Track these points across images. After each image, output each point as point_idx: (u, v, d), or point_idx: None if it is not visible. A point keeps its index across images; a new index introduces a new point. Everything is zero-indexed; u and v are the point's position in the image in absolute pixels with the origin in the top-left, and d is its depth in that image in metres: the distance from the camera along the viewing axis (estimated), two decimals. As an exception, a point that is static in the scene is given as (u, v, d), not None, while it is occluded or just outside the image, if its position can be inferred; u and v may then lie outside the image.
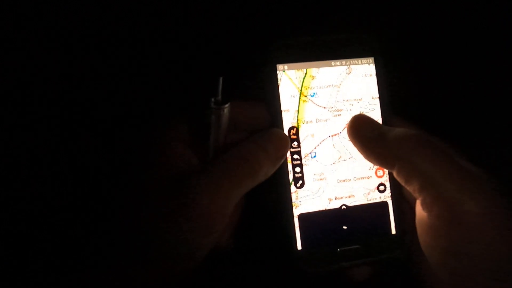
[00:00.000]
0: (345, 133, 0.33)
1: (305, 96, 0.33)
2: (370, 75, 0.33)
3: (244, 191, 0.29)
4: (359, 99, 0.33)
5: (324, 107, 0.33)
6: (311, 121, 0.33)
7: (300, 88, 0.33)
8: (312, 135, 0.33)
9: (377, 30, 0.34)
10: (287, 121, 0.32)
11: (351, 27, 0.35)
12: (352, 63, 0.33)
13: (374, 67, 0.33)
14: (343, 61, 0.33)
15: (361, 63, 0.33)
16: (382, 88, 0.33)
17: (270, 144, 0.30)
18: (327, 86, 0.33)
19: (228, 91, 0.29)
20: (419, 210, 0.29)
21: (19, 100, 0.34)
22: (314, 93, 0.33)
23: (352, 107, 0.33)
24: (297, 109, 0.33)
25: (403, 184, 0.29)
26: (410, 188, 0.29)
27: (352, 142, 0.32)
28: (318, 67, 0.33)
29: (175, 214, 0.27)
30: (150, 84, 0.35)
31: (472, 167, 0.28)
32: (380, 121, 0.33)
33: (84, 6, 0.33)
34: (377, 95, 0.33)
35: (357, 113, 0.33)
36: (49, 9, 0.33)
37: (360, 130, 0.31)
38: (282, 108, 0.32)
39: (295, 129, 0.32)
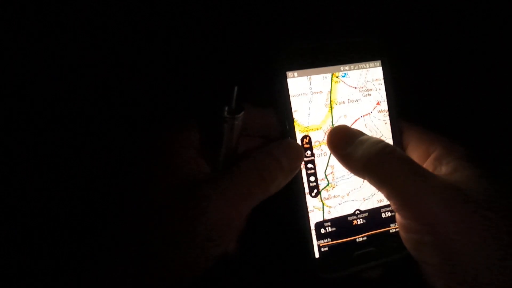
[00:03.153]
0: (376, 113, 0.33)
1: (337, 77, 0.33)
2: None
3: (255, 204, 0.29)
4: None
5: (355, 87, 0.33)
6: (343, 101, 0.33)
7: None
8: (345, 116, 0.33)
9: (384, 33, 0.34)
10: (321, 102, 0.32)
11: (357, 31, 0.35)
12: (359, 67, 0.33)
13: (381, 69, 0.34)
14: (351, 66, 0.33)
15: (369, 67, 0.33)
16: (390, 90, 0.34)
17: (284, 156, 0.29)
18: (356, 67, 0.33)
19: (242, 101, 0.28)
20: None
21: (30, 100, 0.32)
22: (345, 74, 0.33)
23: (381, 86, 0.34)
24: (329, 90, 0.32)
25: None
26: (383, 195, 0.30)
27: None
28: (327, 72, 0.32)
29: (183, 225, 0.26)
30: (165, 91, 0.34)
31: (428, 173, 0.29)
32: (388, 123, 0.34)
33: (100, 8, 0.32)
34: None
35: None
36: (58, 7, 0.31)
37: (336, 144, 0.32)
38: (315, 89, 0.32)
39: (307, 138, 0.32)
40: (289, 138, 0.31)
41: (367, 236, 0.33)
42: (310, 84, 0.32)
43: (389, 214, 0.34)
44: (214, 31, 0.34)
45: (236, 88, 0.28)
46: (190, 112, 0.31)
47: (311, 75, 0.32)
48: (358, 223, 0.33)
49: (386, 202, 0.34)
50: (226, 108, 0.28)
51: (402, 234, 0.30)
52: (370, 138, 0.31)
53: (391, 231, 0.34)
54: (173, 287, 0.26)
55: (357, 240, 0.33)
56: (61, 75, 0.33)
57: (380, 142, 0.30)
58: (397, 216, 0.30)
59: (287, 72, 0.31)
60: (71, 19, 0.32)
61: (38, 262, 0.30)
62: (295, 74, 0.32)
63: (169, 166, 0.28)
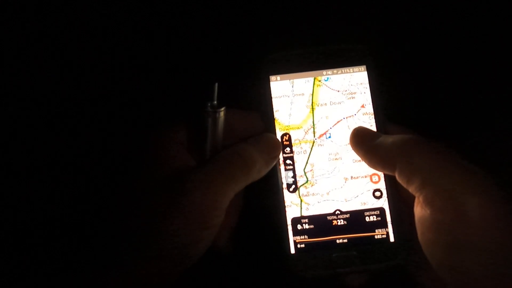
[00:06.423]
0: (360, 115, 0.34)
1: (319, 81, 0.34)
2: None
3: (239, 187, 0.30)
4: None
5: (338, 91, 0.34)
6: (325, 103, 0.34)
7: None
8: (327, 117, 0.34)
9: (368, 39, 0.35)
10: (302, 104, 0.34)
11: (342, 37, 0.36)
12: (344, 71, 0.34)
13: (366, 74, 0.34)
14: (335, 70, 0.34)
15: (353, 71, 0.34)
16: (375, 93, 0.34)
17: (262, 143, 0.32)
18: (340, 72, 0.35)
19: (223, 96, 0.31)
20: (419, 210, 0.29)
21: (19, 100, 0.36)
22: (328, 78, 0.34)
23: (365, 90, 0.34)
24: (311, 92, 0.34)
25: (404, 185, 0.29)
26: (412, 188, 0.29)
27: (355, 152, 0.33)
28: (309, 76, 0.34)
29: (168, 209, 0.28)
30: (152, 90, 0.37)
31: (471, 165, 0.28)
32: (374, 126, 0.34)
33: (84, 11, 0.36)
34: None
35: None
36: (50, 10, 0.35)
37: (361, 140, 0.32)
38: (297, 92, 0.34)
39: (287, 135, 0.34)
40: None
41: (348, 238, 0.32)
42: (292, 87, 0.34)
43: (374, 218, 0.33)
44: (198, 34, 0.38)
45: (216, 85, 0.32)
46: (177, 110, 0.34)
47: (293, 78, 0.34)
48: (338, 223, 0.33)
49: (370, 205, 0.33)
50: (209, 104, 0.32)
51: (425, 232, 0.28)
52: (394, 134, 0.31)
53: (376, 237, 0.32)
54: (165, 279, 0.27)
55: (337, 241, 0.32)
56: (49, 75, 0.35)
57: (408, 135, 0.30)
58: (421, 212, 0.29)
59: (270, 76, 0.34)
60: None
61: (37, 262, 0.31)
62: (278, 78, 0.34)
63: (157, 162, 0.30)
